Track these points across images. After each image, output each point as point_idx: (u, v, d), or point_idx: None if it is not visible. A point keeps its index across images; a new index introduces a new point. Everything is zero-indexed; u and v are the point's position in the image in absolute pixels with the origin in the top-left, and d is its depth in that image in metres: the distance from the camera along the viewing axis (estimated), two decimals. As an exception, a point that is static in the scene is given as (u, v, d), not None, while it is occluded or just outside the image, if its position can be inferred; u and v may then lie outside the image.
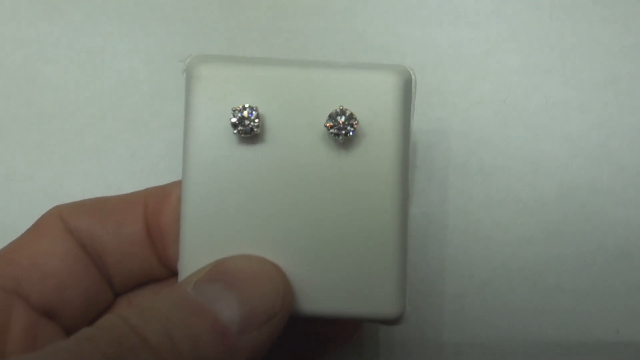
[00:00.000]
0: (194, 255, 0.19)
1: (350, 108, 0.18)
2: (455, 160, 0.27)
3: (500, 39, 0.28)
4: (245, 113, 0.18)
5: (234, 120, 0.18)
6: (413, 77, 0.20)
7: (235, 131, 0.18)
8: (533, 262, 0.26)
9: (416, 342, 0.26)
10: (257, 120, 0.18)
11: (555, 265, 0.26)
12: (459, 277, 0.26)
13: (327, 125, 0.18)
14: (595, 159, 0.27)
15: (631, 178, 0.27)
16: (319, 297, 0.19)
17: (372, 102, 0.19)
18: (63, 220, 0.21)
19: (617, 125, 0.27)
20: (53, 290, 0.20)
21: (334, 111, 0.18)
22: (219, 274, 0.18)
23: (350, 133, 0.18)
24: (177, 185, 0.22)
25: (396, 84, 0.19)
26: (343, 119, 0.18)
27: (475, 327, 0.26)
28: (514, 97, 0.27)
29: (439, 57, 0.28)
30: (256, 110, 0.18)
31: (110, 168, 0.28)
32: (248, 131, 0.18)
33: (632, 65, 0.27)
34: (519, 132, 0.27)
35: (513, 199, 0.27)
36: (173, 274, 0.22)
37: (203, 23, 0.29)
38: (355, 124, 0.18)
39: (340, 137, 0.18)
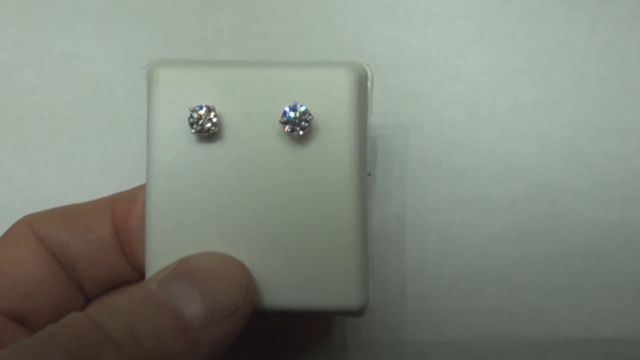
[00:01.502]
0: (159, 255, 0.19)
1: (306, 104, 0.19)
2: (426, 161, 0.27)
3: (470, 41, 0.28)
4: (201, 112, 0.19)
5: (191, 119, 0.19)
6: (369, 72, 0.20)
7: (193, 130, 0.19)
8: (502, 261, 0.27)
9: (386, 341, 0.26)
10: (214, 119, 0.19)
11: (525, 264, 0.27)
12: (429, 277, 0.27)
13: (282, 121, 0.19)
14: (563, 158, 0.27)
15: (599, 177, 0.27)
16: (283, 292, 0.19)
17: (327, 98, 0.19)
18: (32, 228, 0.21)
19: (585, 125, 0.27)
20: (22, 298, 0.20)
21: (287, 107, 0.19)
22: (182, 271, 0.18)
23: (305, 129, 0.19)
24: (143, 189, 0.22)
25: (350, 80, 0.19)
26: (297, 114, 0.19)
27: (445, 326, 0.26)
28: (483, 98, 0.28)
29: (410, 59, 0.28)
30: (213, 109, 0.19)
31: (86, 171, 0.28)
32: (205, 130, 0.19)
33: (600, 66, 0.28)
34: (489, 133, 0.28)
35: (483, 199, 0.27)
36: (143, 276, 0.22)
37: (178, 27, 0.29)
38: (310, 119, 0.19)
39: (295, 133, 0.19)
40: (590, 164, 0.27)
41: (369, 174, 0.21)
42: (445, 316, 0.26)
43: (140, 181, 0.28)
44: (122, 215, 0.22)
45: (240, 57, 0.29)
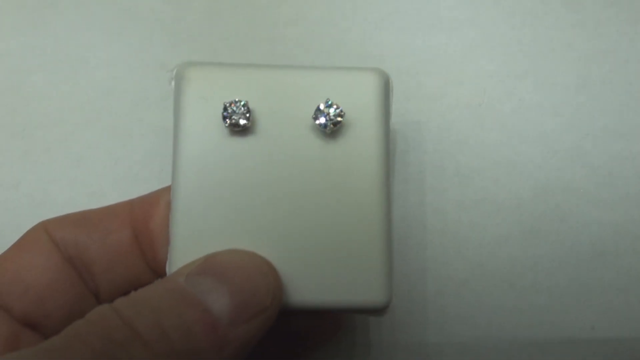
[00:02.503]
0: (184, 249, 0.19)
1: (336, 102, 0.19)
2: (432, 163, 0.28)
3: (475, 45, 0.29)
4: (236, 106, 0.19)
5: (225, 113, 0.19)
6: (390, 78, 0.21)
7: (226, 124, 0.19)
8: (509, 261, 0.27)
9: (394, 341, 0.27)
10: (247, 113, 0.19)
11: (531, 265, 0.27)
12: (437, 278, 0.27)
13: (315, 116, 0.19)
14: (569, 160, 0.27)
15: (604, 178, 0.27)
16: (309, 290, 0.19)
17: (356, 98, 0.20)
18: (48, 233, 0.21)
19: (590, 127, 0.28)
20: (35, 302, 0.20)
21: (321, 103, 0.19)
22: (211, 267, 0.18)
23: (337, 124, 0.19)
24: (165, 192, 0.22)
25: (378, 82, 0.20)
26: (330, 110, 0.19)
27: (453, 326, 0.27)
28: (489, 101, 0.28)
29: (416, 62, 0.29)
30: (246, 103, 0.19)
31: (94, 176, 0.28)
32: (239, 123, 0.19)
33: (603, 68, 0.28)
34: (495, 135, 0.28)
35: (489, 200, 0.27)
36: (161, 278, 0.22)
37: (184, 33, 0.29)
38: (342, 114, 0.19)
39: (328, 129, 0.19)
40: (596, 165, 0.27)
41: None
42: (452, 316, 0.27)
43: (148, 185, 0.28)
44: (143, 217, 0.22)
45: (247, 62, 0.29)
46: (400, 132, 0.28)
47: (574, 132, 0.28)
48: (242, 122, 0.19)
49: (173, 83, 0.20)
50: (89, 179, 0.28)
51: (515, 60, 0.28)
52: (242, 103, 0.19)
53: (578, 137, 0.28)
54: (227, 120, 0.19)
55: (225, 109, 0.19)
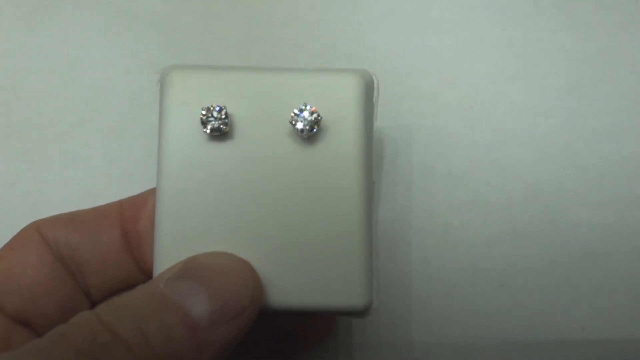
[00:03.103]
0: (167, 253, 0.19)
1: (314, 106, 0.19)
2: (423, 164, 0.28)
3: (467, 47, 0.29)
4: (214, 112, 0.19)
5: (203, 118, 0.19)
6: (375, 80, 0.21)
7: (205, 129, 0.19)
8: (500, 262, 0.27)
9: (387, 342, 0.27)
10: (225, 118, 0.19)
11: (522, 266, 0.27)
12: (428, 279, 0.27)
13: (292, 121, 0.19)
14: (559, 162, 0.28)
15: (594, 180, 0.27)
16: (288, 291, 0.19)
17: (335, 102, 0.20)
18: (40, 232, 0.21)
19: (581, 129, 0.28)
20: (27, 301, 0.21)
21: (298, 108, 0.19)
22: (190, 270, 0.18)
23: (314, 128, 0.19)
24: (152, 193, 0.22)
25: (357, 85, 0.20)
26: (307, 114, 0.19)
27: (444, 327, 0.27)
28: (480, 102, 0.28)
29: (409, 64, 0.29)
30: (224, 108, 0.19)
31: (89, 175, 0.29)
32: (217, 128, 0.19)
33: (594, 71, 0.28)
34: (486, 137, 0.28)
35: (480, 202, 0.27)
36: (151, 278, 0.22)
37: (179, 33, 0.30)
38: (319, 119, 0.19)
39: (305, 133, 0.19)
40: (586, 167, 0.28)
41: (374, 182, 0.21)
42: (444, 317, 0.27)
43: (143, 185, 0.28)
44: (132, 218, 0.22)
45: (242, 63, 0.29)
46: (391, 134, 0.28)
47: (564, 134, 0.28)
48: (220, 127, 0.19)
49: (159, 87, 0.21)
50: (85, 178, 0.29)
51: (507, 62, 0.29)
52: (219, 108, 0.19)
53: (569, 139, 0.28)
54: (206, 125, 0.19)
55: (203, 114, 0.19)
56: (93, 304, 0.23)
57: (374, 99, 0.21)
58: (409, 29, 0.29)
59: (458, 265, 0.27)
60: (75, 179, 0.29)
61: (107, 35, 0.30)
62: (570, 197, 0.27)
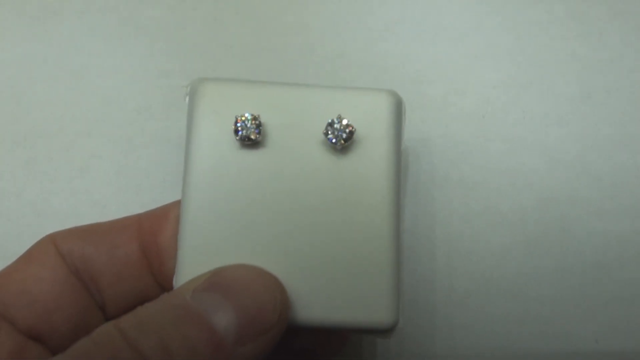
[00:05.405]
0: (192, 262, 0.19)
1: (348, 118, 0.19)
2: (435, 174, 0.28)
3: (479, 55, 0.28)
4: (247, 120, 0.19)
5: (236, 126, 0.19)
6: (403, 100, 0.21)
7: (237, 137, 0.19)
8: (513, 273, 0.27)
9: (398, 352, 0.26)
10: (258, 127, 0.19)
11: (535, 277, 0.27)
12: (440, 289, 0.27)
13: (326, 132, 0.19)
14: (572, 171, 0.27)
15: (608, 189, 0.27)
16: (315, 307, 0.19)
17: (368, 117, 0.20)
18: (56, 245, 0.21)
19: (594, 137, 0.28)
20: (40, 315, 0.20)
21: (332, 119, 0.19)
22: (217, 282, 0.18)
23: (347, 140, 0.19)
24: (175, 206, 0.22)
25: (390, 102, 0.20)
26: (341, 125, 0.19)
27: (456, 338, 0.26)
28: (492, 111, 0.28)
29: (420, 73, 0.29)
30: (258, 117, 0.19)
31: (96, 185, 0.28)
32: (250, 137, 0.19)
33: (607, 79, 0.28)
34: (498, 146, 0.28)
35: (493, 212, 0.27)
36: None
37: (186, 42, 0.29)
38: (353, 130, 0.19)
39: (338, 144, 0.19)
40: (600, 177, 0.27)
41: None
42: (456, 328, 0.26)
43: (151, 195, 0.28)
44: (152, 231, 0.22)
45: (250, 71, 0.29)
46: (403, 143, 0.28)
47: (577, 143, 0.28)
48: (253, 135, 0.19)
49: (187, 99, 0.21)
50: (91, 188, 0.28)
51: (519, 70, 0.28)
52: (253, 117, 0.19)
53: (582, 147, 0.28)
54: (239, 133, 0.19)
55: (236, 122, 0.19)
56: (108, 318, 0.22)
57: (402, 119, 0.21)
58: (419, 37, 0.29)
59: (470, 275, 0.27)
60: (82, 189, 0.28)
61: (113, 44, 0.30)
62: (584, 206, 0.27)
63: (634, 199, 0.27)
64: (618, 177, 0.27)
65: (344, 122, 0.19)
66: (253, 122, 0.19)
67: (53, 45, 0.30)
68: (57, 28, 0.30)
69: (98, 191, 0.28)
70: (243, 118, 0.19)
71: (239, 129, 0.19)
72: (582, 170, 0.27)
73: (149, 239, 0.22)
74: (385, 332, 0.19)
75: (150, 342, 0.16)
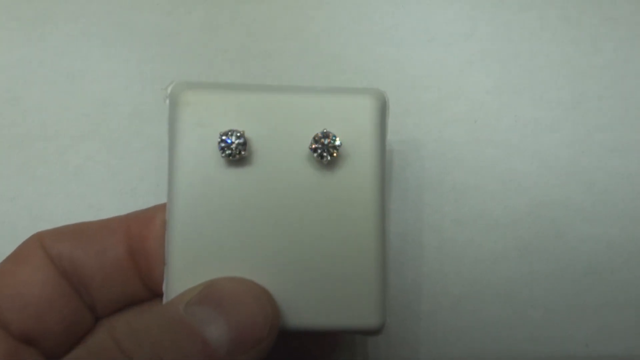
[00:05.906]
0: (182, 274, 0.19)
1: (332, 130, 0.19)
2: (428, 179, 0.28)
3: (472, 61, 0.29)
4: (232, 137, 0.19)
5: (221, 144, 0.19)
6: (386, 98, 0.21)
7: (223, 155, 0.19)
8: (505, 278, 0.27)
9: (390, 358, 0.27)
10: (244, 144, 0.19)
11: (527, 281, 0.27)
12: (433, 294, 0.27)
13: (312, 147, 0.19)
14: (565, 176, 0.28)
15: (600, 195, 0.27)
16: (305, 313, 0.19)
17: (353, 125, 0.20)
18: (44, 246, 0.21)
19: (586, 143, 0.28)
20: (32, 319, 0.20)
21: (318, 134, 0.19)
22: (210, 296, 0.18)
23: (333, 155, 0.19)
24: (160, 210, 0.22)
25: (374, 107, 0.20)
26: (327, 141, 0.19)
27: (449, 342, 0.27)
28: (485, 116, 0.28)
29: (413, 78, 0.29)
30: (243, 134, 0.19)
31: (91, 188, 0.29)
32: (235, 154, 0.19)
33: (600, 84, 0.28)
34: (491, 151, 0.28)
35: (485, 217, 0.27)
36: (156, 295, 0.22)
37: (181, 46, 0.30)
38: (339, 145, 0.19)
39: (324, 159, 0.19)
40: (592, 182, 0.27)
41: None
42: (448, 333, 0.27)
43: (146, 199, 0.28)
44: (139, 235, 0.22)
45: (245, 76, 0.29)
46: (396, 148, 0.28)
47: (570, 148, 0.28)
48: (239, 152, 0.19)
49: (168, 102, 0.20)
50: (87, 191, 0.28)
51: (512, 75, 0.28)
52: (237, 135, 0.19)
53: (574, 153, 0.28)
54: (224, 150, 0.19)
55: (220, 140, 0.19)
56: (98, 318, 0.22)
57: (386, 119, 0.21)
58: (413, 42, 0.29)
59: (462, 280, 0.27)
60: (77, 193, 0.28)
61: (109, 48, 0.30)
62: (576, 211, 0.27)
63: (625, 205, 0.27)
64: (610, 182, 0.27)
65: (330, 136, 0.19)
66: (237, 139, 0.19)
67: (48, 49, 0.30)
68: (52, 32, 0.30)
69: (93, 195, 0.28)
70: (228, 135, 0.19)
71: (224, 148, 0.19)
72: (574, 175, 0.28)
73: (136, 243, 0.22)
74: (373, 332, 0.20)
75: (145, 352, 0.16)
